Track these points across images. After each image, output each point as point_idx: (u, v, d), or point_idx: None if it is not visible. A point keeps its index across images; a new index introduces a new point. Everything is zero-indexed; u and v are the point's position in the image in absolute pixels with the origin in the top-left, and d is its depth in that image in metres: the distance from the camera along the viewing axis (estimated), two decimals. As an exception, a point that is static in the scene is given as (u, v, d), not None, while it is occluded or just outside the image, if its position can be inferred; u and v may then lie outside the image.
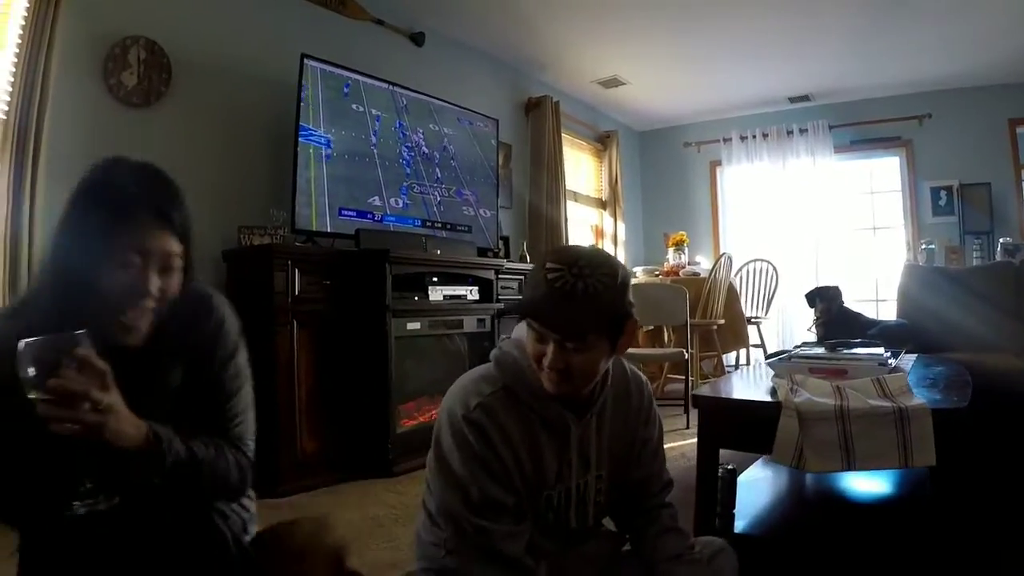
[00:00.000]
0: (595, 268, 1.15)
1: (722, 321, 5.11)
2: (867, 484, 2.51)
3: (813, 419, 1.76)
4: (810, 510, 2.37)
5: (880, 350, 2.46)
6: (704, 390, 2.25)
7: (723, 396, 2.14)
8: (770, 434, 1.77)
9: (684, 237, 6.15)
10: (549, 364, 1.16)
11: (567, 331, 1.14)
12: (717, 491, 1.81)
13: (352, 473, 3.19)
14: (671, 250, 6.12)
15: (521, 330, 1.27)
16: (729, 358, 5.78)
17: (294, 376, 3.06)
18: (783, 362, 2.29)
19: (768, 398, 1.92)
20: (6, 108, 2.65)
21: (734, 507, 1.86)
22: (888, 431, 1.73)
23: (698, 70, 5.51)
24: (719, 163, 6.73)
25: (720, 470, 1.80)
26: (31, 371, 0.87)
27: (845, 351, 2.43)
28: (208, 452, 1.12)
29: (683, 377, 4.51)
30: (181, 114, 3.21)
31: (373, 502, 2.82)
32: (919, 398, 1.81)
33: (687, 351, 4.36)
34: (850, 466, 1.75)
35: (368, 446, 3.27)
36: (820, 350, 2.50)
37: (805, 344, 2.96)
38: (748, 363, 5.71)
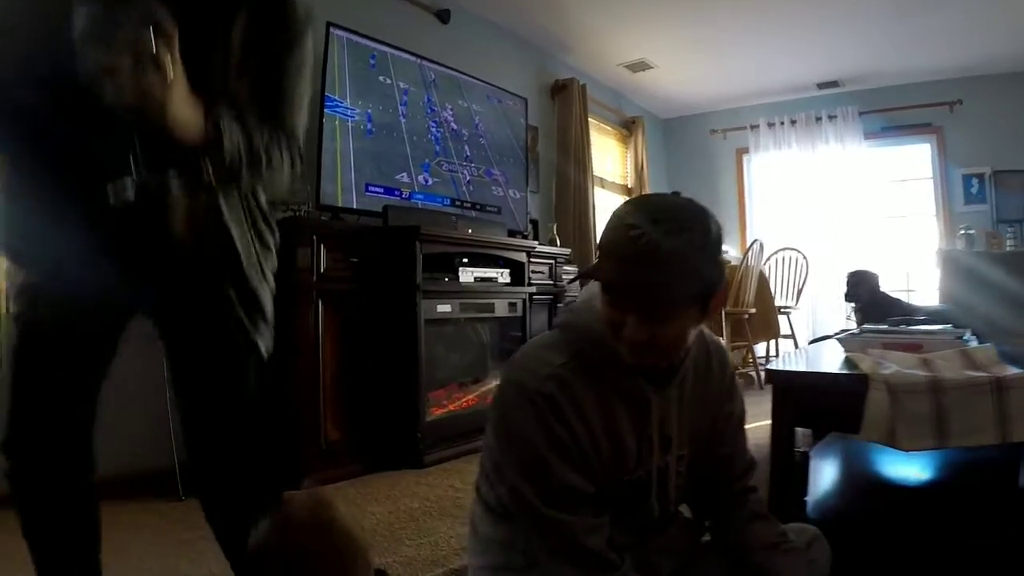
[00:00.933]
0: (684, 223, 0.97)
1: (753, 310, 4.96)
2: (932, 465, 2.41)
3: (905, 392, 1.60)
4: (878, 494, 2.28)
5: (948, 326, 2.31)
6: (779, 364, 2.11)
7: (801, 371, 1.99)
8: (854, 410, 1.62)
9: None
10: (630, 336, 1.00)
11: (653, 304, 0.98)
12: (794, 473, 1.72)
13: (379, 464, 3.02)
14: None
15: (592, 289, 1.11)
16: (757, 350, 5.62)
17: (318, 359, 2.88)
18: (854, 337, 2.13)
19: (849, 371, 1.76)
20: None
21: (807, 492, 1.80)
22: (984, 404, 1.58)
23: (726, 54, 5.38)
24: (746, 151, 6.60)
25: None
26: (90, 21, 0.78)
27: (910, 328, 2.28)
28: (265, 141, 1.08)
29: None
30: None
31: (404, 494, 2.66)
32: (1015, 368, 1.64)
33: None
34: (944, 443, 1.59)
35: (396, 435, 3.09)
36: (882, 327, 2.35)
37: (845, 332, 2.80)
38: (778, 355, 5.57)
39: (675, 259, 0.94)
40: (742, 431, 1.29)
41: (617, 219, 1.01)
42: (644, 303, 0.97)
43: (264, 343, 1.23)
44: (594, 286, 1.11)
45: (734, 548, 1.22)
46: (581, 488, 1.06)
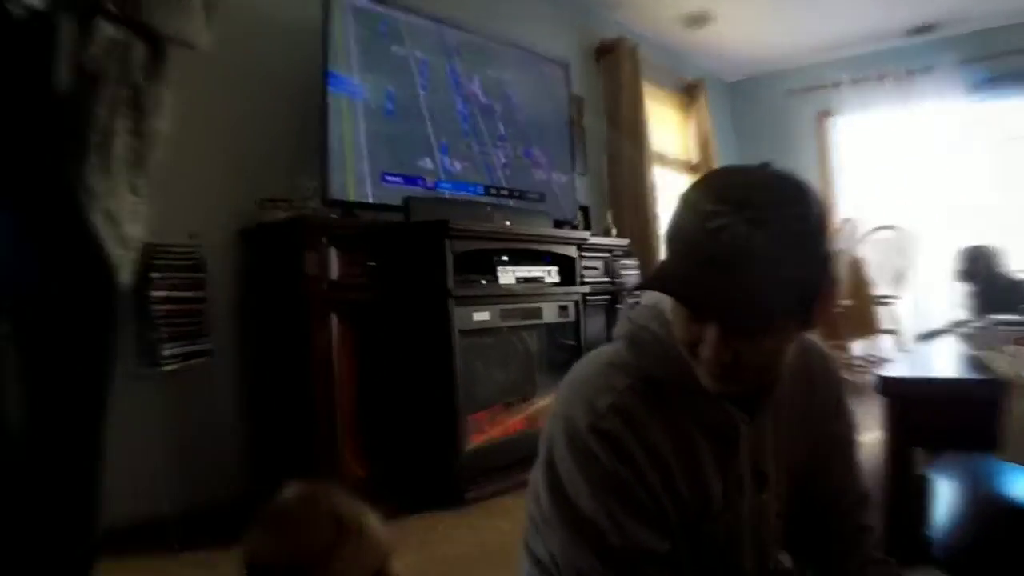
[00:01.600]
0: (778, 207, 0.78)
1: (847, 302, 4.56)
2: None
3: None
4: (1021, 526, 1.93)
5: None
6: (894, 371, 1.96)
7: (922, 377, 1.87)
8: (989, 424, 1.49)
9: None
10: (710, 357, 0.82)
11: (739, 317, 0.80)
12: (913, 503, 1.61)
13: (411, 504, 2.64)
14: None
15: (658, 295, 0.94)
16: (852, 350, 5.19)
17: (333, 382, 2.57)
18: (981, 331, 2.00)
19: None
20: None
21: (930, 526, 1.55)
22: None
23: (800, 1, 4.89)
24: (828, 113, 6.17)
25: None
26: None
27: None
28: None
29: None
30: (180, 65, 2.66)
31: (441, 539, 2.41)
32: None
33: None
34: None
35: (431, 469, 2.75)
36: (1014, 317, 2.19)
37: (961, 323, 2.62)
38: (879, 355, 5.08)
39: (768, 256, 0.77)
40: (853, 457, 1.09)
41: (687, 204, 0.83)
42: (727, 315, 0.80)
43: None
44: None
45: None
46: (652, 547, 0.91)
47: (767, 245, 0.76)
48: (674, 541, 0.93)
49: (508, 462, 2.84)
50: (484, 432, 2.91)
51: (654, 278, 0.88)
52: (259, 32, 2.84)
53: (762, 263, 0.77)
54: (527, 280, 3.14)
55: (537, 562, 1.03)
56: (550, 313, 3.28)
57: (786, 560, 1.10)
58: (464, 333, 2.80)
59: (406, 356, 2.76)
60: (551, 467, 0.95)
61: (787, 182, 0.83)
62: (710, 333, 0.82)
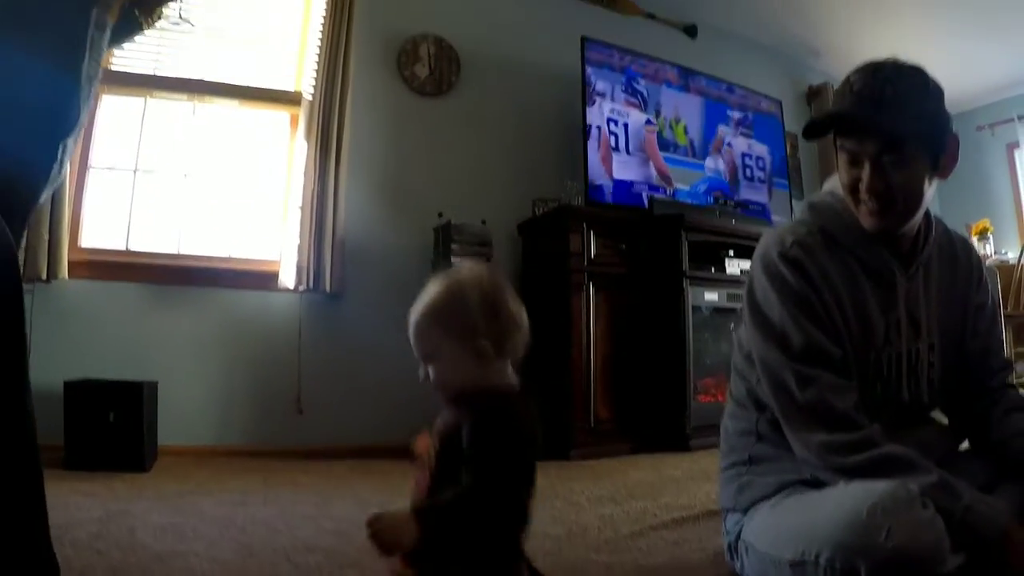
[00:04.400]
0: (903, 73, 1.04)
1: None
2: None
3: None
4: None
5: None
6: None
7: None
8: None
9: (988, 225, 5.36)
10: (867, 186, 1.04)
11: (882, 137, 1.02)
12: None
13: (645, 444, 3.05)
14: (975, 239, 5.29)
15: (831, 181, 1.18)
16: None
17: (589, 340, 3.03)
18: None
19: None
20: (312, 92, 3.07)
21: None
22: None
23: (983, 39, 4.79)
24: (1016, 145, 5.86)
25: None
26: None
27: None
28: None
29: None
30: (471, 101, 3.54)
31: (667, 466, 2.68)
32: None
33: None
34: None
35: (663, 418, 3.11)
36: None
37: None
38: None
39: (898, 99, 1.01)
40: (996, 326, 1.23)
41: (843, 82, 1.09)
42: (876, 139, 1.02)
43: None
44: (834, 179, 1.17)
45: (995, 442, 1.14)
46: (826, 348, 1.06)
47: (896, 94, 1.02)
48: (845, 353, 1.08)
49: None
50: (710, 395, 3.21)
51: (820, 121, 1.13)
52: (530, 78, 3.64)
53: (892, 103, 1.01)
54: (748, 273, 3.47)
55: (736, 402, 1.26)
56: (768, 302, 3.53)
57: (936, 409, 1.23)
58: (696, 310, 3.17)
59: (648, 324, 3.16)
60: (751, 292, 1.15)
61: (909, 63, 1.07)
62: (865, 169, 1.04)
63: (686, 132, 3.77)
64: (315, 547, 1.47)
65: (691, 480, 2.33)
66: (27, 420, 0.83)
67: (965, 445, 1.23)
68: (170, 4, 1.32)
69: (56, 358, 2.42)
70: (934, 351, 1.16)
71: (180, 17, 2.89)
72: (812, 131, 1.15)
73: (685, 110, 3.80)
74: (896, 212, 1.06)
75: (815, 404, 1.04)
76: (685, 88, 3.83)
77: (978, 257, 1.25)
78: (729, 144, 3.97)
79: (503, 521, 0.85)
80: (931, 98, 1.05)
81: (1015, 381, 1.23)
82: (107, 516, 1.65)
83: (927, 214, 1.16)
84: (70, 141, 0.98)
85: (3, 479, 0.79)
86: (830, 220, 1.14)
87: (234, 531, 1.59)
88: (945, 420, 1.25)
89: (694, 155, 3.78)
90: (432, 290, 0.89)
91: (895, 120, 1.01)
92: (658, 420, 3.12)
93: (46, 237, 2.54)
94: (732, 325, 1.22)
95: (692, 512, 1.80)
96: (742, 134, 4.05)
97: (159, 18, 1.27)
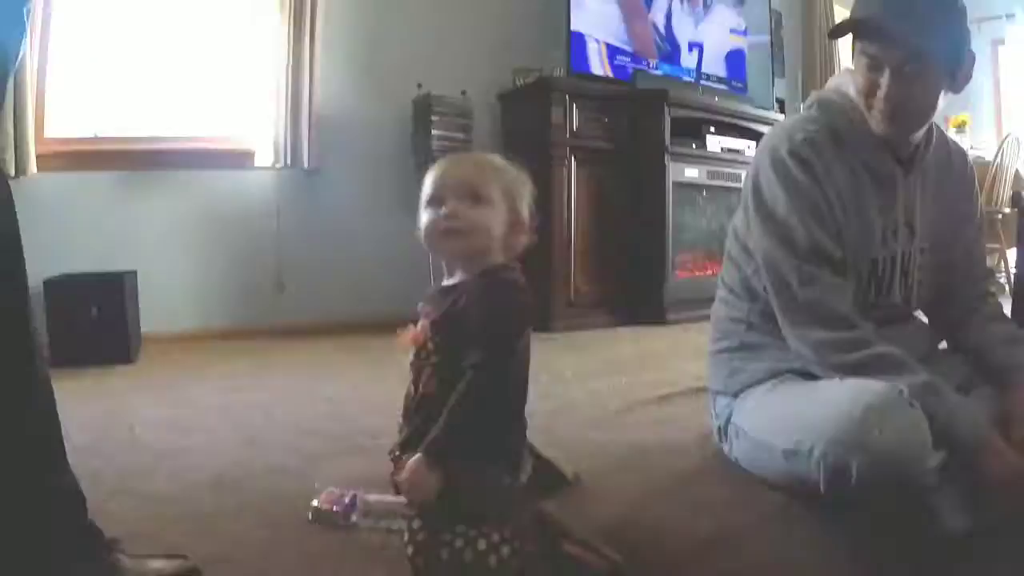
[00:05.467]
0: None
1: (1007, 210, 4.41)
2: None
3: None
4: None
5: None
6: None
7: None
8: None
9: (966, 119, 5.34)
10: (885, 94, 1.04)
11: (908, 47, 1.01)
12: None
13: (624, 318, 3.14)
14: (952, 132, 5.31)
15: (840, 79, 1.18)
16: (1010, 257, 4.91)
17: (570, 214, 3.04)
18: None
19: None
20: None
21: None
22: None
23: None
24: (1002, 42, 5.78)
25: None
26: None
27: None
28: None
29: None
30: None
31: (648, 339, 2.77)
32: None
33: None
34: None
35: (643, 292, 3.19)
36: None
37: None
38: None
39: (929, 9, 1.01)
40: (980, 237, 1.29)
41: None
42: (902, 49, 1.01)
43: None
44: (842, 76, 1.18)
45: (973, 347, 1.21)
46: (828, 249, 1.08)
47: (925, 5, 1.01)
48: (844, 255, 1.10)
49: (705, 296, 3.15)
50: (688, 271, 3.29)
51: (847, 26, 1.08)
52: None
53: (921, 15, 1.01)
54: (730, 150, 3.43)
55: (730, 290, 1.29)
56: (748, 180, 3.55)
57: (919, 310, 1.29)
58: (677, 185, 3.17)
59: (629, 198, 3.17)
60: (756, 186, 1.15)
61: None
62: (884, 76, 1.04)
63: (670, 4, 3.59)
64: (315, 431, 1.51)
65: (672, 356, 2.41)
66: (33, 344, 0.79)
67: (943, 345, 1.29)
68: None
69: (33, 255, 2.29)
70: (924, 254, 1.19)
71: None
72: (838, 33, 1.11)
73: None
74: (908, 120, 1.08)
75: (815, 303, 1.07)
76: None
77: (972, 168, 1.28)
78: (715, 12, 3.81)
79: (514, 401, 0.87)
80: (957, 13, 1.05)
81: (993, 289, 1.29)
82: (103, 415, 1.67)
83: None
84: (31, 4, 0.85)
85: (16, 408, 0.77)
86: (838, 119, 1.14)
87: (232, 420, 1.62)
88: (925, 319, 1.30)
89: (676, 22, 3.61)
90: (494, 156, 0.91)
91: (923, 32, 1.00)
92: (637, 294, 3.19)
93: (11, 131, 2.39)
94: (728, 213, 1.21)
95: (676, 389, 1.88)
96: (730, 6, 3.89)
97: None
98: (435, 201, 0.88)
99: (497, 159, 0.93)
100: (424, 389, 0.87)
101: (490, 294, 0.83)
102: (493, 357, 0.81)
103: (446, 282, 0.91)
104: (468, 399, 0.80)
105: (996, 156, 4.53)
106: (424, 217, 0.89)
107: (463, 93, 3.07)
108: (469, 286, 0.85)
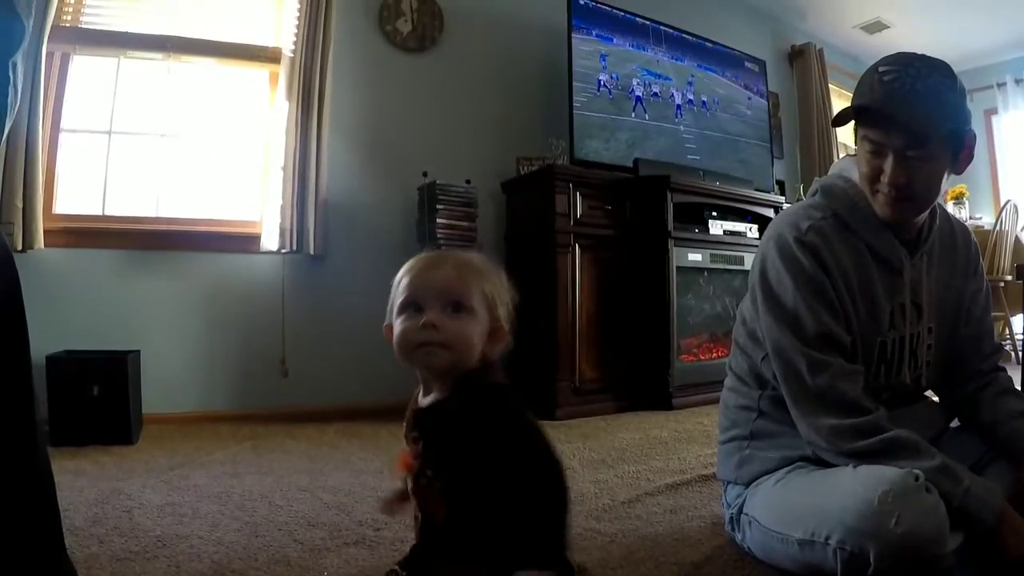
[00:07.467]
0: (933, 69, 1.05)
1: (1009, 277, 4.49)
2: None
3: None
4: None
5: None
6: None
7: None
8: None
9: (963, 190, 5.48)
10: (889, 179, 1.06)
11: (910, 133, 1.03)
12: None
13: (630, 403, 3.11)
14: (951, 204, 5.43)
15: (842, 164, 1.21)
16: (1015, 324, 4.97)
17: (575, 300, 3.04)
18: None
19: None
20: (293, 49, 2.96)
21: None
22: None
23: (966, 6, 4.84)
24: (994, 111, 5.94)
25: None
26: None
27: None
28: None
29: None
30: (454, 57, 3.45)
31: (653, 427, 2.72)
32: None
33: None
34: None
35: (647, 378, 3.16)
36: None
37: None
38: None
39: (929, 96, 1.02)
40: (988, 313, 1.28)
41: (871, 70, 1.09)
42: (903, 135, 1.03)
43: None
44: (846, 162, 1.20)
45: (986, 423, 1.19)
46: (838, 336, 1.09)
47: (927, 90, 1.02)
48: (854, 340, 1.11)
49: (709, 380, 3.15)
50: (692, 354, 3.27)
51: (849, 113, 1.10)
52: (514, 33, 3.56)
53: (923, 100, 1.02)
54: (732, 233, 3.48)
55: (738, 377, 1.28)
56: (750, 262, 3.52)
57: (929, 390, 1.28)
58: (680, 270, 3.19)
59: (632, 283, 3.18)
60: (764, 275, 1.16)
61: (935, 59, 1.07)
62: (888, 161, 1.06)
63: (670, 90, 3.73)
64: (317, 522, 1.47)
65: (679, 442, 2.38)
66: (34, 424, 0.78)
67: (955, 423, 1.28)
68: None
69: (36, 331, 2.32)
70: (932, 334, 1.20)
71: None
72: (841, 121, 1.14)
73: (669, 68, 3.75)
74: (913, 204, 1.09)
75: (826, 390, 1.07)
76: (670, 46, 3.78)
77: (976, 246, 1.29)
78: (715, 102, 3.94)
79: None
80: (957, 94, 1.06)
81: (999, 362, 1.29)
82: (102, 497, 1.64)
83: None
84: (18, 59, 0.84)
85: (15, 485, 0.75)
86: (843, 205, 1.16)
87: (233, 507, 1.58)
88: (936, 398, 1.30)
89: (677, 115, 3.74)
90: (473, 256, 0.86)
91: (925, 117, 1.02)
92: (642, 379, 3.16)
93: (20, 205, 2.44)
94: (735, 300, 1.23)
95: (685, 477, 1.84)
96: (726, 92, 4.02)
97: None
98: (412, 307, 0.80)
99: (476, 259, 0.87)
100: (431, 513, 0.81)
101: (491, 414, 0.79)
102: (538, 468, 0.78)
103: (423, 400, 0.84)
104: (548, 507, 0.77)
105: (996, 223, 4.61)
106: (398, 324, 0.81)
107: (468, 182, 3.14)
108: (455, 405, 0.80)
